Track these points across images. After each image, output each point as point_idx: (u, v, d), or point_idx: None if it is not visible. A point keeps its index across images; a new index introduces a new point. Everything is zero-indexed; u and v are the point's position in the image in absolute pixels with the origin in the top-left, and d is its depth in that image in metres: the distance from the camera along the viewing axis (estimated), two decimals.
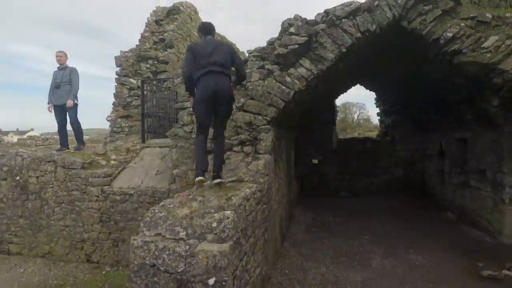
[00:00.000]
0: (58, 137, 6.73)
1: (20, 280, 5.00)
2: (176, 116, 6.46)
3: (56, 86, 5.89)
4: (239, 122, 4.22)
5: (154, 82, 7.41)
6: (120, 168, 5.74)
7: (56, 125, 6.18)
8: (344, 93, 9.69)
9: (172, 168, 5.10)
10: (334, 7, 4.26)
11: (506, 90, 4.34)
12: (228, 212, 2.55)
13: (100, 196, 5.40)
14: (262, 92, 4.21)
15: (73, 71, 5.95)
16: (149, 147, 6.27)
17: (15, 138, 20.50)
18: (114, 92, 7.99)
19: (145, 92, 6.75)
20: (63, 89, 5.86)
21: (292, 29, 4.17)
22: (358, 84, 9.16)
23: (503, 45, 3.95)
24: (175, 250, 2.33)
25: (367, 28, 4.12)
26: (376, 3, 4.14)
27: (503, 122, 5.05)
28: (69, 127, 6.28)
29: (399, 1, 4.13)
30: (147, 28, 8.74)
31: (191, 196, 3.04)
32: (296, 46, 4.12)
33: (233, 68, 3.57)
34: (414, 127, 8.84)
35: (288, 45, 4.15)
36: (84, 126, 6.37)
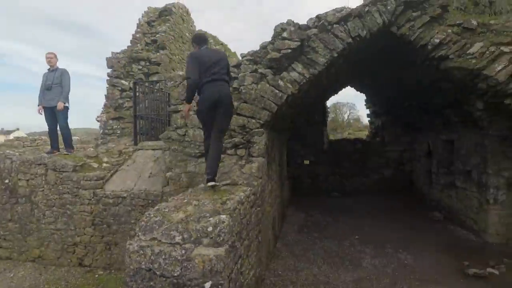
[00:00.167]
0: (45, 137, 6.63)
1: (10, 285, 4.93)
2: (168, 118, 6.45)
3: (47, 88, 5.80)
4: (232, 125, 4.26)
5: (147, 84, 7.38)
6: (112, 171, 5.71)
7: (47, 126, 6.09)
8: (335, 94, 9.84)
9: (166, 171, 5.11)
10: (326, 12, 4.33)
11: (490, 95, 4.50)
12: (224, 216, 2.59)
13: (92, 199, 5.36)
14: (256, 96, 4.26)
15: (64, 73, 5.87)
16: (142, 149, 6.24)
17: (1, 139, 20.01)
18: (106, 93, 7.92)
19: (137, 94, 6.72)
20: (54, 91, 5.77)
21: (285, 34, 4.23)
22: (348, 86, 9.32)
23: (487, 52, 4.10)
24: (171, 254, 2.36)
25: (358, 33, 4.22)
26: (366, 9, 4.24)
27: (487, 125, 5.23)
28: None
29: (389, 7, 4.23)
30: (138, 29, 8.69)
31: (186, 200, 3.07)
32: (289, 50, 4.19)
33: None
34: (403, 129, 9.05)
35: (281, 49, 4.21)
36: (72, 125, 6.25)
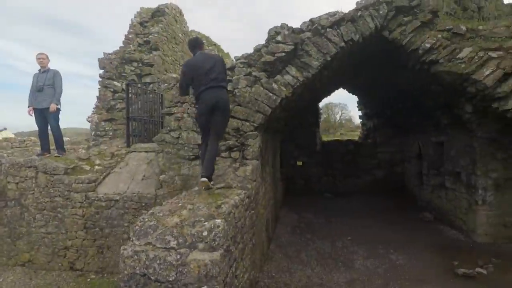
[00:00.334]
0: (35, 138, 6.52)
1: None
2: (161, 120, 6.41)
3: (38, 89, 5.69)
4: (227, 128, 4.27)
5: (139, 85, 7.32)
6: (104, 174, 5.64)
7: (36, 127, 5.99)
8: (328, 96, 9.93)
9: (159, 174, 5.08)
10: (319, 16, 4.38)
11: (478, 98, 4.60)
12: (219, 220, 2.60)
13: (84, 202, 5.29)
14: (250, 99, 4.28)
15: (56, 74, 5.77)
16: (135, 151, 6.18)
17: None
18: (97, 94, 7.83)
19: (130, 95, 6.66)
20: (46, 93, 5.67)
21: (279, 37, 4.27)
22: (341, 88, 9.40)
23: (476, 57, 4.19)
24: (166, 259, 2.36)
25: (350, 37, 4.27)
26: (359, 14, 4.30)
27: (476, 127, 5.35)
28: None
29: (381, 12, 4.30)
30: (131, 30, 8.61)
31: (180, 204, 3.07)
32: (283, 54, 4.22)
33: None
34: (395, 130, 9.18)
35: (275, 52, 4.24)
36: (61, 125, 6.12)
